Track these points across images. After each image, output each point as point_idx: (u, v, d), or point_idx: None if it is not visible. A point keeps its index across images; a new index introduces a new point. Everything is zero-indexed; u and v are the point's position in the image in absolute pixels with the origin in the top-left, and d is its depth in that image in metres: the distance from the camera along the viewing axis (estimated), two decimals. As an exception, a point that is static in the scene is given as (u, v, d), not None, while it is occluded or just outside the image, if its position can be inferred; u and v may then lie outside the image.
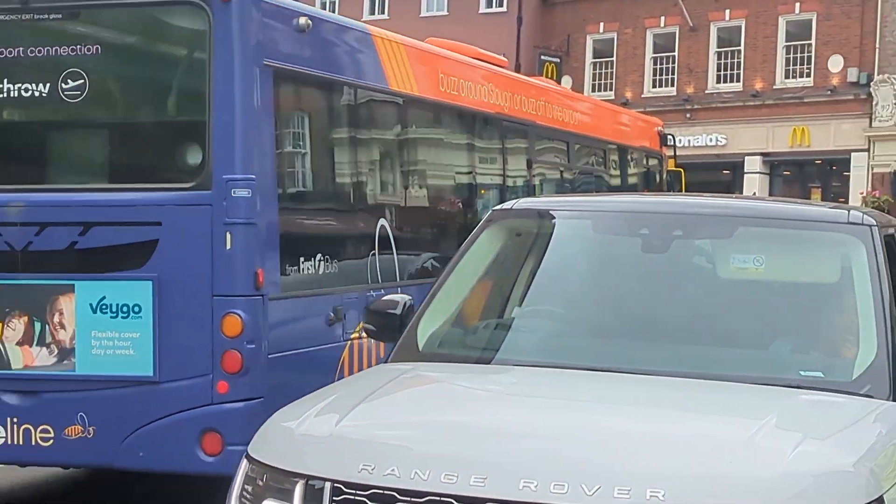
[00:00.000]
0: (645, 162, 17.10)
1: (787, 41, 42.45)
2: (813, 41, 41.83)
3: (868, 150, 40.63)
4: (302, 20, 9.21)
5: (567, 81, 45.92)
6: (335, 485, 4.36)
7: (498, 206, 6.52)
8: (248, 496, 4.66)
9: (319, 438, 4.61)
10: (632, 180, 16.65)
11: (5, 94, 9.01)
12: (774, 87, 42.45)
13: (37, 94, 8.90)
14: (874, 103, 40.44)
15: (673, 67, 44.72)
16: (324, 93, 9.77)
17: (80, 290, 8.47)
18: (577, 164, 14.78)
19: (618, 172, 15.98)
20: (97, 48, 8.84)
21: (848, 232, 5.86)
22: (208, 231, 8.33)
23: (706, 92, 43.81)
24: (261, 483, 4.61)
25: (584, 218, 6.42)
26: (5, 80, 8.96)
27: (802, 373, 5.39)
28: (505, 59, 14.21)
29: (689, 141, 43.64)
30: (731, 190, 44.66)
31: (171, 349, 8.30)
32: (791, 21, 42.48)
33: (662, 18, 45.02)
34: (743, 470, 4.25)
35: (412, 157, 11.33)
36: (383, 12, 49.83)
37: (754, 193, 41.79)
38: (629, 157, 16.51)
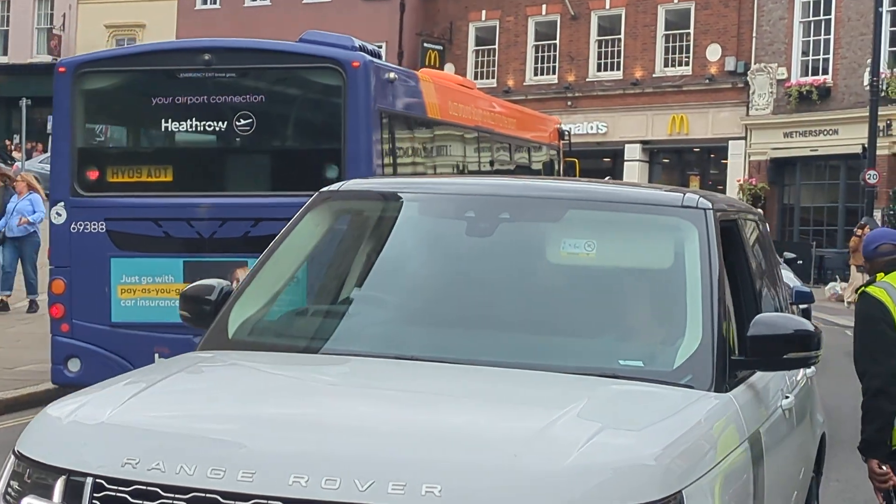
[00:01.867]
0: (547, 154, 19.88)
1: (666, 30, 43.20)
2: (691, 30, 42.57)
3: (745, 138, 41.46)
4: (391, 75, 13.21)
5: (450, 69, 46.16)
6: (97, 480, 4.08)
7: (326, 188, 6.27)
8: (12, 494, 4.33)
9: (86, 430, 4.30)
10: (537, 168, 19.44)
11: (195, 129, 12.87)
12: (654, 75, 43.13)
13: (218, 129, 12.76)
14: (751, 92, 41.26)
15: (554, 55, 45.32)
16: (398, 122, 13.56)
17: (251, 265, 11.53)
18: (511, 159, 18.07)
19: (528, 164, 18.89)
20: (262, 97, 12.76)
21: (681, 216, 5.61)
22: None
23: (587, 80, 44.46)
24: (26, 479, 4.31)
25: (411, 200, 6.14)
26: (194, 119, 12.82)
27: (622, 362, 5.20)
28: (473, 82, 19.06)
29: (570, 129, 43.97)
30: (612, 177, 45.24)
31: None
32: (670, 10, 43.18)
33: (544, 6, 45.50)
34: (527, 463, 4.04)
35: (439, 158, 15.44)
36: (264, -2, 49.67)
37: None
38: (538, 151, 19.44)
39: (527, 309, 5.51)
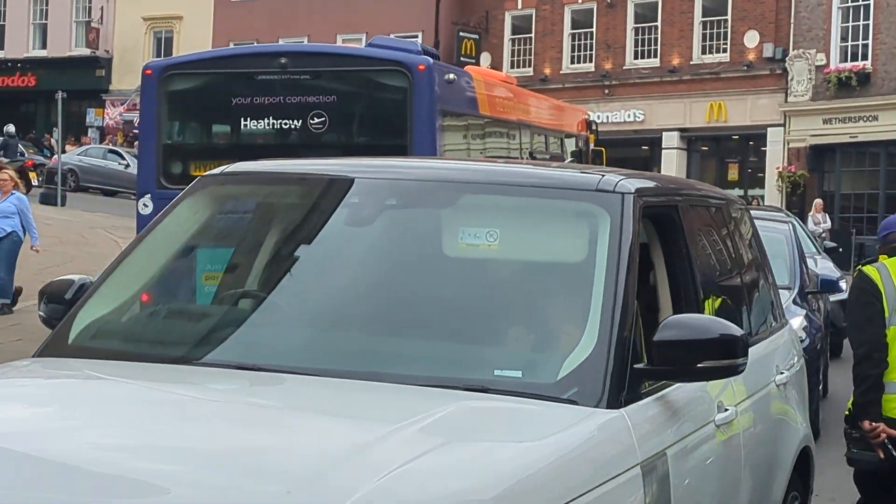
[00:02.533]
0: (577, 144, 20.63)
1: (703, 17, 42.94)
2: (729, 17, 42.40)
3: (784, 125, 41.28)
4: (451, 75, 14.18)
5: (486, 58, 46.18)
6: None
7: (208, 172, 5.71)
8: None
9: None
10: (568, 158, 20.19)
11: (271, 127, 13.72)
12: (691, 62, 42.97)
13: (293, 126, 13.65)
14: (789, 78, 41.07)
15: (591, 43, 45.18)
16: (456, 119, 14.54)
17: None
18: (546, 150, 18.93)
19: (561, 154, 19.70)
20: (333, 97, 13.66)
21: (595, 201, 4.85)
22: None
23: (624, 68, 44.32)
24: None
25: (294, 183, 5.45)
26: (271, 117, 13.67)
27: (498, 372, 4.43)
28: (513, 77, 20.55)
29: (607, 117, 44.10)
30: (650, 167, 45.12)
31: None
32: (707, -3, 43.00)
33: (580, -6, 45.41)
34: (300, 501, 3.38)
35: (488, 153, 16.24)
36: (301, -11, 49.78)
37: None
38: (570, 141, 20.34)
39: (398, 310, 4.78)
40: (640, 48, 44.23)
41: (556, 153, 19.46)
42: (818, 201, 35.73)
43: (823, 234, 33.91)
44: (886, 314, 7.12)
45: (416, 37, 46.45)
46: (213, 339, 4.88)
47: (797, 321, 11.96)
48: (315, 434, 3.89)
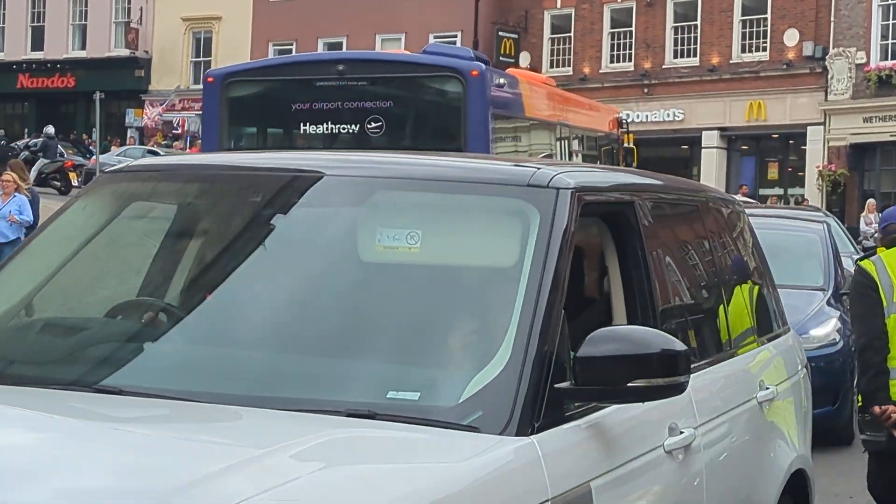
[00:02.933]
0: (609, 142, 21.04)
1: (743, 15, 42.94)
2: (769, 15, 42.35)
3: (824, 123, 41.20)
4: (501, 80, 14.81)
5: (525, 58, 46.22)
6: None
7: (111, 168, 5.20)
8: None
9: None
10: (604, 158, 20.61)
11: (330, 131, 14.32)
12: (731, 61, 42.97)
13: (351, 130, 14.20)
14: (829, 77, 41.01)
15: (630, 42, 45.18)
16: (505, 122, 15.12)
17: None
18: (583, 149, 19.51)
19: (597, 153, 20.23)
20: (390, 102, 14.30)
21: (527, 198, 4.26)
22: None
23: (663, 67, 44.36)
24: None
25: (197, 181, 4.88)
26: (329, 122, 14.27)
27: (392, 394, 3.85)
28: (552, 79, 21.17)
29: (646, 116, 44.07)
30: (689, 166, 45.05)
31: None
32: (747, -5, 42.94)
33: (619, -7, 45.44)
34: None
35: (533, 151, 16.98)
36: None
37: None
38: (602, 140, 20.73)
39: (291, 324, 4.21)
40: (679, 47, 44.26)
41: (593, 153, 19.94)
42: (871, 201, 35.06)
43: (876, 235, 33.82)
44: (885, 304, 7.40)
45: (455, 37, 46.54)
46: (73, 359, 4.32)
47: (830, 323, 12.09)
48: (148, 467, 3.32)
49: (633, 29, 44.99)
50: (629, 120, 42.47)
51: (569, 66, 46.16)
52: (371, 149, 13.53)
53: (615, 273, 4.81)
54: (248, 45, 51.16)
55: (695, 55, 43.85)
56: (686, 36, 44.15)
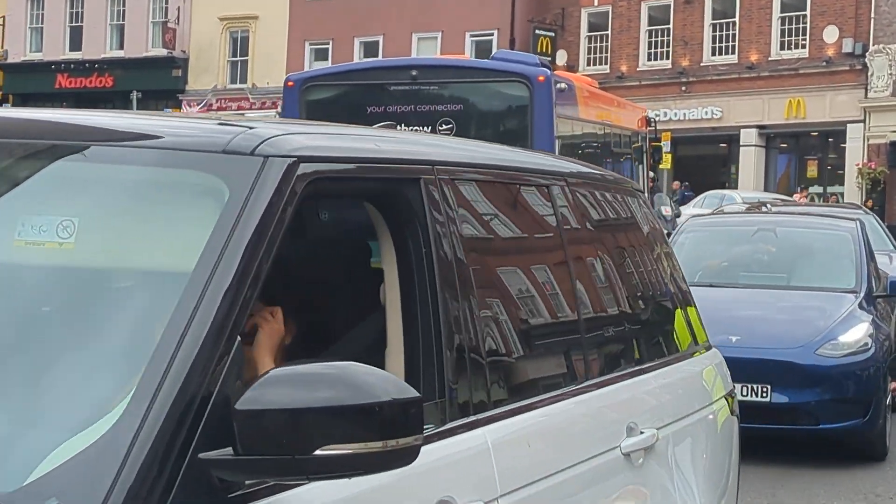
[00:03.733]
0: (638, 139, 21.57)
1: (782, 12, 42.90)
2: (808, 12, 42.23)
3: (864, 120, 41.05)
4: (562, 85, 15.93)
5: (562, 56, 46.15)
6: None
7: None
8: None
9: None
10: (634, 152, 21.36)
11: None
12: (770, 58, 42.89)
13: (423, 132, 14.24)
14: (869, 74, 40.86)
15: (668, 40, 45.19)
16: (564, 123, 15.90)
17: None
18: (621, 148, 20.52)
19: (630, 151, 20.92)
20: (460, 106, 15.43)
21: (220, 170, 2.96)
22: None
23: (701, 64, 44.32)
24: None
25: None
26: (402, 125, 14.11)
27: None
28: (595, 81, 22.31)
29: (684, 114, 44.03)
30: (728, 164, 44.94)
31: None
32: (786, -8, 42.81)
33: (657, -9, 45.37)
34: None
35: (586, 152, 17.83)
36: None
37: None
38: (633, 137, 21.34)
39: None
40: (717, 44, 44.16)
41: (627, 151, 20.73)
42: None
43: None
44: None
45: (492, 35, 46.55)
46: None
47: (861, 328, 11.28)
48: None
49: (670, 26, 44.94)
50: (667, 118, 43.03)
51: (606, 63, 46.16)
52: None
53: (392, 278, 3.44)
54: (284, 44, 51.32)
55: (733, 52, 43.78)
56: (724, 33, 44.07)
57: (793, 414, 10.84)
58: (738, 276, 12.43)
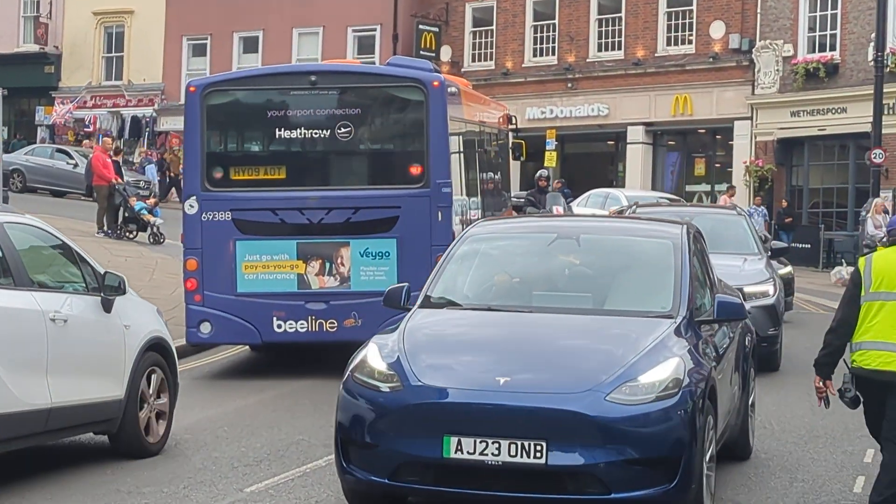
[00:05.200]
0: (503, 136, 22.48)
1: (668, 7, 42.67)
2: (694, 7, 42.19)
3: (751, 118, 40.98)
4: (452, 89, 17.10)
5: (446, 52, 45.81)
6: None
7: None
8: None
9: None
10: (500, 150, 22.11)
11: (303, 136, 16.50)
12: (656, 54, 42.78)
13: (322, 136, 16.43)
14: (756, 70, 40.84)
15: (553, 36, 44.87)
16: (453, 124, 16.87)
17: (353, 245, 16.05)
18: (491, 146, 21.15)
19: (498, 150, 21.72)
20: (358, 110, 16.44)
21: None
22: (427, 210, 15.97)
23: (587, 60, 44.08)
24: None
25: None
26: (303, 128, 16.42)
27: None
28: (467, 81, 23.01)
29: (570, 111, 44.00)
30: (615, 162, 44.73)
31: (405, 275, 14.88)
32: (672, -13, 42.61)
33: (542, -15, 45.03)
34: None
35: (468, 153, 18.71)
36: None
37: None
38: (500, 135, 22.01)
39: None
40: (603, 40, 43.88)
41: (495, 150, 21.34)
42: (878, 201, 31.67)
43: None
44: (862, 293, 9.14)
45: (374, 30, 46.10)
46: None
47: (670, 364, 8.93)
48: None
49: (556, 22, 44.65)
50: (553, 116, 42.51)
51: (491, 60, 45.84)
52: (340, 152, 16.49)
53: None
54: (161, 39, 50.53)
55: (619, 48, 43.55)
56: (610, 29, 43.81)
57: (577, 480, 8.53)
58: (531, 297, 10.05)
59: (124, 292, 11.28)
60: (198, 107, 16.35)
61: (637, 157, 43.43)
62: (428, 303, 9.99)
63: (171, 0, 50.43)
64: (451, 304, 10.03)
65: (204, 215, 16.05)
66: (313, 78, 16.57)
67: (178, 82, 46.29)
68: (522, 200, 28.84)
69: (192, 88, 16.56)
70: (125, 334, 11.31)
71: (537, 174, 30.52)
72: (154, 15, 50.56)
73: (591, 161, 45.52)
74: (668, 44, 42.77)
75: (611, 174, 44.86)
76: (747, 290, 16.50)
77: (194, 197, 16.17)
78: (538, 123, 43.34)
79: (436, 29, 45.89)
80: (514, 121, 23.22)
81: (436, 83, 16.26)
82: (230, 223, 16.05)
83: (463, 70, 43.70)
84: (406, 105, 16.65)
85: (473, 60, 45.81)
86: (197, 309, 16.23)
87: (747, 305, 11.97)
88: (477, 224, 11.60)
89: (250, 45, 48.56)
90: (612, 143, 44.71)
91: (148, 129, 50.89)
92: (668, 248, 10.41)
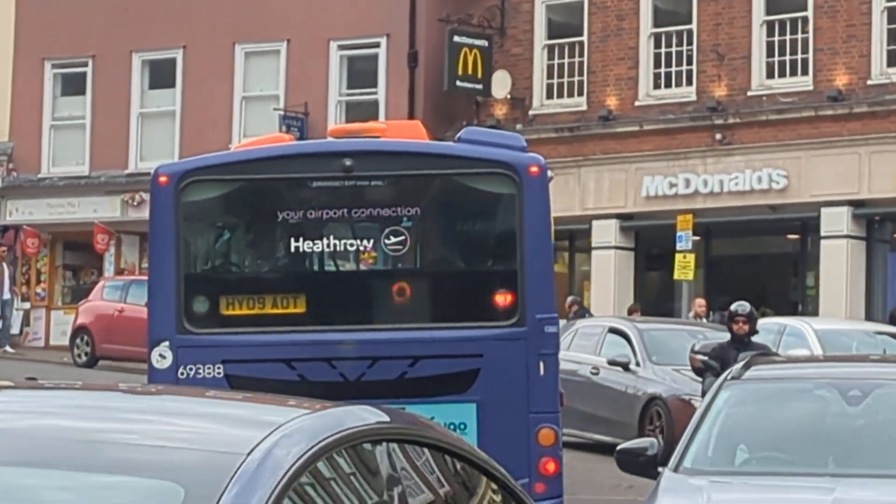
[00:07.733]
0: None
1: (887, 1, 31.52)
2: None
3: None
4: (550, 173, 14.35)
5: (503, 81, 35.04)
6: None
7: None
8: None
9: None
10: None
11: (332, 249, 13.41)
12: (869, 82, 31.68)
13: (362, 248, 13.62)
14: None
15: (689, 52, 33.95)
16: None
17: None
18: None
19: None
20: (416, 209, 13.31)
21: None
22: (523, 360, 12.88)
23: (749, 94, 33.49)
24: None
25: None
26: (332, 236, 13.10)
27: None
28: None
29: (720, 182, 34.40)
30: (800, 268, 35.92)
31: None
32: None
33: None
34: None
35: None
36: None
37: None
38: None
39: None
40: (776, 58, 33.11)
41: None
42: None
43: None
44: None
45: (377, 45, 35.57)
46: None
47: None
48: None
49: (693, 27, 34.10)
50: (690, 191, 35.41)
51: (581, 94, 34.48)
52: (390, 273, 13.43)
53: None
54: (9, 66, 39.30)
55: (806, 72, 32.32)
56: (788, 39, 32.60)
57: None
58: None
59: None
60: (171, 206, 12.71)
61: (839, 260, 32.09)
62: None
63: (22, 8, 39.31)
64: None
65: (181, 371, 12.27)
66: (348, 162, 12.73)
67: (35, 138, 38.02)
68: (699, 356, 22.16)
69: (162, 178, 12.90)
70: None
71: (568, 300, 28.85)
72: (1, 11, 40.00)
73: (756, 268, 35.11)
74: (890, 64, 31.02)
75: (792, 290, 34.87)
76: None
77: (166, 343, 12.50)
78: (663, 204, 32.72)
79: (484, 43, 34.03)
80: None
81: (534, 168, 12.77)
82: (223, 382, 12.09)
83: (532, 112, 33.38)
84: (490, 202, 13.29)
85: (549, 96, 34.16)
86: None
87: None
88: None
89: (161, 72, 37.22)
90: (795, 236, 34.30)
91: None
92: None
